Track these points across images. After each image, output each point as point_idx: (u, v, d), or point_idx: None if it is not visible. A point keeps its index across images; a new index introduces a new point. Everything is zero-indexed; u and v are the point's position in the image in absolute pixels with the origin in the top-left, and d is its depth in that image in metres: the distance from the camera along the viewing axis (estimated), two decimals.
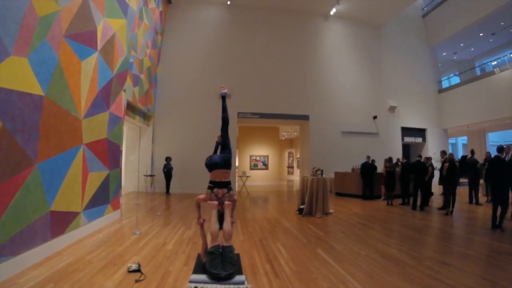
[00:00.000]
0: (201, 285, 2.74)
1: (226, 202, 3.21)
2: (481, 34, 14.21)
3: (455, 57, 16.85)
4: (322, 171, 7.74)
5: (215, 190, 3.26)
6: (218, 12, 12.13)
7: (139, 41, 6.64)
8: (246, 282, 2.82)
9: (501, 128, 15.12)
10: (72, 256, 3.32)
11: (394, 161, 9.55)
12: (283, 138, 20.66)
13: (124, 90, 5.27)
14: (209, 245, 3.23)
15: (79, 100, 3.67)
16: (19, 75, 2.63)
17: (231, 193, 3.31)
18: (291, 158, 21.72)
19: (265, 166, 20.49)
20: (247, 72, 11.75)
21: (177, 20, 11.35)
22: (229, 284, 2.77)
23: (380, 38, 14.02)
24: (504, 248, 4.22)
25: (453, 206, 7.06)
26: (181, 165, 10.23)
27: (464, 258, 3.82)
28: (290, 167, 21.76)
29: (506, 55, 13.82)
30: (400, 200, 8.60)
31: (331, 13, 12.70)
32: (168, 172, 9.63)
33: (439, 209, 7.42)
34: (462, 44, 15.45)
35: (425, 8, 15.68)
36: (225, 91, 3.72)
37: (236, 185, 11.72)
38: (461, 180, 10.45)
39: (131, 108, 7.46)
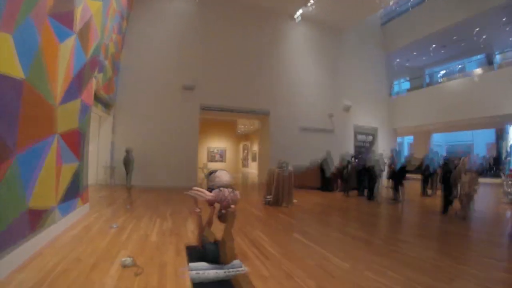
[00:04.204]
0: (202, 271, 2.86)
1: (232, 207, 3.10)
2: (433, 46, 15.79)
3: (407, 64, 18.43)
4: (287, 164, 8.21)
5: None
6: (185, 3, 11.70)
7: (107, 26, 6.13)
8: (243, 266, 3.02)
9: (445, 130, 17.32)
10: (56, 255, 3.09)
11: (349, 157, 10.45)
12: (239, 132, 20.79)
13: (95, 77, 4.86)
14: (199, 234, 3.36)
15: (56, 86, 3.33)
16: (2, 54, 2.34)
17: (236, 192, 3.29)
18: (246, 151, 21.95)
19: (222, 158, 20.55)
20: (211, 65, 11.63)
21: (143, 7, 10.63)
22: (228, 268, 2.94)
23: (340, 42, 15.03)
24: (449, 229, 5.15)
25: (403, 196, 8.11)
26: (142, 157, 9.77)
27: (418, 237, 4.64)
28: (245, 160, 22.01)
29: (454, 66, 15.82)
30: (355, 192, 9.46)
31: (297, 15, 13.16)
32: (129, 164, 9.13)
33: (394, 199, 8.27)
34: (415, 53, 17.00)
35: (384, 18, 17.03)
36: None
37: (198, 177, 11.64)
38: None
39: (94, 96, 6.83)
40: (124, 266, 2.87)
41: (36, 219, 3.13)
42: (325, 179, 10.62)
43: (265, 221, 5.54)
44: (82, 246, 3.43)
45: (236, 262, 3.06)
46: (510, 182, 7.06)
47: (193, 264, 2.99)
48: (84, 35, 4.07)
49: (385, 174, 8.97)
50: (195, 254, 3.24)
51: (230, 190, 3.13)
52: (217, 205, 3.09)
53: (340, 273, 2.96)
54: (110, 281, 2.57)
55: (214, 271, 2.87)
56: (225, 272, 2.86)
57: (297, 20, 13.28)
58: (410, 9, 15.48)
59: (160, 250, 3.48)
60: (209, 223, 3.35)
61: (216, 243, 3.19)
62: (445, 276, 2.88)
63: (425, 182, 9.55)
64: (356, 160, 9.86)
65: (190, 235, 4.11)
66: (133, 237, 3.92)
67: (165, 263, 3.06)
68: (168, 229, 4.50)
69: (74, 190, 4.33)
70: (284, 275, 2.86)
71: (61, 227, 3.77)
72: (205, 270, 2.87)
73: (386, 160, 8.68)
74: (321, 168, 10.70)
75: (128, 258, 2.99)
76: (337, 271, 3.00)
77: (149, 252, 3.36)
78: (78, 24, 3.78)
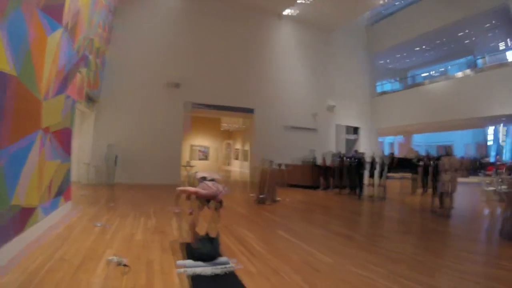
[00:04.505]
0: (191, 268, 2.90)
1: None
2: (417, 49, 16.35)
3: (390, 66, 18.89)
4: (272, 162, 8.33)
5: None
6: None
7: (93, 20, 5.96)
8: (230, 262, 3.09)
9: (425, 131, 17.84)
10: (40, 254, 2.99)
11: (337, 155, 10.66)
12: (222, 129, 20.71)
13: (80, 72, 4.72)
14: (190, 232, 3.41)
15: (41, 80, 3.22)
16: None
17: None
18: (229, 149, 21.88)
19: (205, 156, 20.39)
20: (197, 63, 11.52)
21: (131, 3, 10.36)
22: (216, 265, 3.01)
23: (327, 42, 15.27)
24: (429, 225, 5.41)
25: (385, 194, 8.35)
26: (125, 154, 9.57)
27: (400, 233, 4.90)
28: (228, 158, 21.92)
29: (437, 69, 16.30)
30: (336, 190, 9.69)
31: (284, 13, 13.33)
32: (112, 161, 8.93)
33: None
34: (398, 55, 17.52)
35: (370, 20, 17.38)
36: None
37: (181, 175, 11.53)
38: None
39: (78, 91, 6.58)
40: (112, 264, 2.83)
41: (20, 218, 3.04)
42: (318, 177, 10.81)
43: (249, 219, 5.65)
44: (67, 245, 3.34)
45: (223, 259, 3.15)
46: (487, 182, 7.48)
47: (181, 262, 3.04)
48: (71, 28, 3.96)
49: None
50: (188, 250, 3.28)
51: (213, 182, 3.36)
52: (212, 204, 3.25)
53: (325, 268, 3.09)
54: (97, 280, 2.53)
55: (202, 268, 2.93)
56: (213, 269, 2.93)
57: (290, 13, 13.34)
58: (397, 11, 15.96)
59: (146, 248, 3.46)
60: (195, 223, 3.44)
61: (209, 238, 3.30)
62: (427, 270, 3.06)
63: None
64: (347, 158, 10.03)
65: (175, 233, 4.12)
66: (118, 236, 3.87)
67: (152, 261, 3.06)
68: (153, 227, 4.49)
69: (57, 188, 4.22)
70: (270, 271, 2.94)
71: (45, 226, 3.66)
72: (194, 268, 2.93)
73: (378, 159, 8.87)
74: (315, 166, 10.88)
75: (115, 257, 2.96)
76: (322, 266, 3.13)
77: (135, 251, 3.33)
78: (65, 17, 3.68)
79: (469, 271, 3.08)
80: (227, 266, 3.01)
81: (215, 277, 2.80)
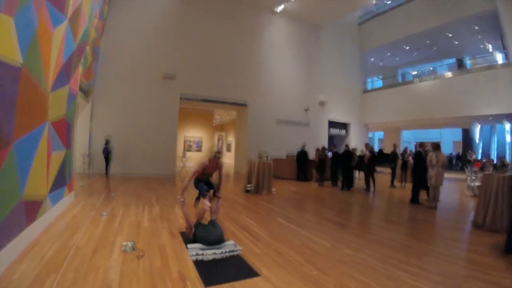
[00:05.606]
0: (201, 251, 3.10)
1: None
2: (407, 48, 16.61)
3: (381, 64, 19.13)
4: (267, 154, 8.52)
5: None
6: None
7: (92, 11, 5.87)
8: (237, 246, 3.30)
9: (413, 127, 18.19)
10: (53, 243, 3.09)
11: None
12: (215, 122, 20.76)
13: (82, 64, 4.71)
14: (194, 221, 3.62)
15: (48, 72, 3.26)
16: (4, 38, 2.26)
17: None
18: (220, 141, 21.99)
19: (199, 148, 20.48)
20: (193, 55, 11.46)
21: None
22: (224, 248, 3.21)
23: (319, 38, 15.42)
24: (417, 216, 5.65)
25: (374, 187, 8.61)
26: (120, 146, 9.55)
27: (390, 222, 5.20)
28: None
29: (426, 68, 16.67)
30: (329, 182, 9.99)
31: (278, 10, 13.34)
32: (107, 154, 8.93)
33: (365, 189, 8.72)
34: (389, 54, 17.75)
35: (362, 18, 17.54)
36: None
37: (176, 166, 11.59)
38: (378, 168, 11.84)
39: None
40: (125, 250, 2.96)
41: (31, 209, 3.12)
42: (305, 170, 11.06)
43: (248, 208, 5.84)
44: (78, 234, 3.45)
45: (230, 242, 3.35)
46: (474, 177, 7.82)
47: (191, 245, 3.22)
48: (74, 20, 3.95)
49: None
50: (187, 239, 3.46)
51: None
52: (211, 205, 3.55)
53: (324, 251, 3.35)
54: (115, 265, 2.65)
55: (212, 251, 3.13)
56: (221, 252, 3.13)
57: (278, 10, 13.43)
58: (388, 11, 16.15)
59: (155, 234, 3.63)
60: (201, 215, 3.64)
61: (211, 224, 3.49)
62: (416, 254, 3.35)
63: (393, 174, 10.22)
64: (330, 153, 10.37)
65: (181, 221, 4.27)
66: (125, 224, 4.01)
67: (164, 246, 3.23)
68: (157, 214, 4.65)
69: (62, 179, 4.29)
70: (275, 253, 3.19)
71: (52, 215, 3.76)
72: (204, 251, 3.12)
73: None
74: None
75: (129, 243, 3.10)
76: (321, 249, 3.40)
77: (145, 237, 3.49)
78: (70, 9, 3.68)
79: (455, 256, 3.37)
80: (235, 249, 3.21)
81: (222, 260, 3.00)
